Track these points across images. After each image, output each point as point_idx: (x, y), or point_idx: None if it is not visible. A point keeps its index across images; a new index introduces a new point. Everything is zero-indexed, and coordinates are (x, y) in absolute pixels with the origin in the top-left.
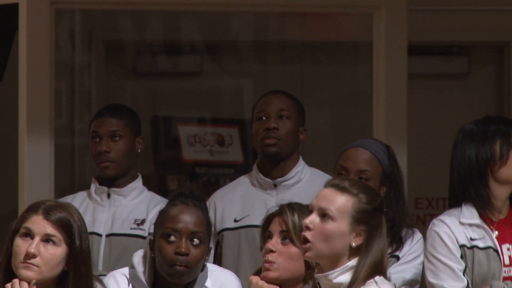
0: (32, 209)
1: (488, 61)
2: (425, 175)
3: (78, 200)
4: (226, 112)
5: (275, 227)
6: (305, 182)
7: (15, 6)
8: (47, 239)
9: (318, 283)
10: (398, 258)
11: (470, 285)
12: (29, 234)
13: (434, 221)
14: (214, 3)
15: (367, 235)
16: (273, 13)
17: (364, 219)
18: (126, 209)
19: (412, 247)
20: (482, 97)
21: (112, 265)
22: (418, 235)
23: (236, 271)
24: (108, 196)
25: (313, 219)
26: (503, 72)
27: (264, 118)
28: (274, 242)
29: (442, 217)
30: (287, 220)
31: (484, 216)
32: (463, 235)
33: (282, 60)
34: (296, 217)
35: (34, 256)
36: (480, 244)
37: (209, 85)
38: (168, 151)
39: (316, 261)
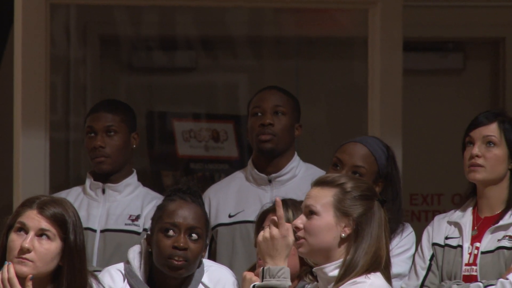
0: (27, 204)
1: (483, 57)
2: (420, 171)
3: (72, 195)
4: (221, 107)
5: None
6: (300, 177)
7: (10, 1)
8: (41, 233)
9: (316, 276)
10: None
11: (438, 282)
12: (23, 229)
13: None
14: None
15: (355, 223)
16: (268, 8)
17: (348, 208)
18: (121, 204)
19: (402, 240)
20: (477, 93)
21: (107, 261)
22: (408, 230)
23: (231, 267)
24: (103, 191)
25: (301, 217)
26: (498, 68)
27: (259, 114)
28: None
29: (437, 215)
30: None
31: (475, 212)
32: (442, 234)
33: (278, 55)
34: (290, 214)
35: (28, 250)
36: (453, 243)
37: (204, 81)
38: (163, 146)
39: (309, 257)
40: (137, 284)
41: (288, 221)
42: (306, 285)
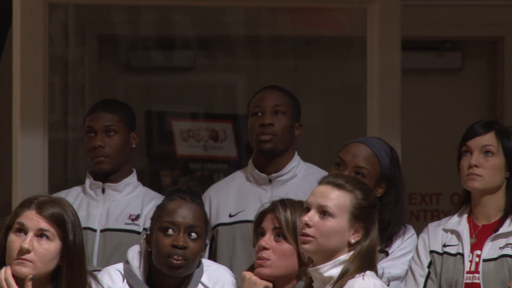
0: (25, 204)
1: (481, 56)
2: (419, 171)
3: (72, 195)
4: (220, 107)
5: (268, 224)
6: (300, 177)
7: (9, 0)
8: (40, 234)
9: (311, 277)
10: (387, 254)
11: None
12: (22, 230)
13: (426, 227)
14: None
15: (365, 231)
16: (266, 8)
17: (361, 216)
18: (121, 204)
19: (403, 243)
20: (476, 92)
21: (107, 260)
22: (410, 232)
23: (231, 266)
24: (103, 191)
25: (311, 216)
26: (496, 67)
27: (259, 113)
28: (267, 239)
29: (430, 223)
30: (280, 217)
31: (472, 220)
32: (439, 241)
33: (276, 55)
34: (288, 214)
35: (28, 251)
36: (452, 250)
37: (202, 80)
38: (162, 146)
39: (312, 255)
40: (137, 284)
41: (287, 221)
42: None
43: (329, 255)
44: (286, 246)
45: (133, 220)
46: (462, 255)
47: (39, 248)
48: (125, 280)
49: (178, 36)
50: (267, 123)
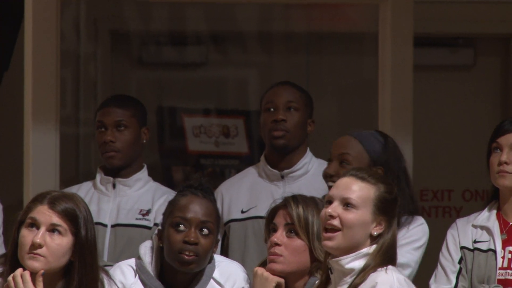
0: (38, 199)
1: (493, 53)
2: (430, 167)
3: (83, 190)
4: (232, 103)
5: (280, 219)
6: (312, 173)
7: None
8: (53, 229)
9: (330, 268)
10: None
11: (468, 285)
12: (34, 225)
13: (453, 223)
14: None
15: (387, 224)
16: (278, 4)
17: (384, 209)
18: (132, 199)
19: (409, 232)
20: (488, 89)
21: (117, 256)
22: (417, 222)
23: (243, 262)
24: (114, 186)
25: (335, 207)
26: (508, 64)
27: (272, 109)
28: (279, 235)
29: (458, 219)
30: (292, 213)
31: (501, 217)
32: (469, 237)
33: (288, 50)
34: (300, 210)
35: (40, 246)
36: (483, 246)
37: (214, 76)
38: (173, 141)
39: (336, 252)
40: (148, 280)
41: (299, 217)
42: (316, 281)
43: (350, 247)
44: (298, 242)
45: (143, 215)
46: (493, 251)
47: (51, 243)
48: (137, 275)
49: (190, 31)
50: (280, 119)
